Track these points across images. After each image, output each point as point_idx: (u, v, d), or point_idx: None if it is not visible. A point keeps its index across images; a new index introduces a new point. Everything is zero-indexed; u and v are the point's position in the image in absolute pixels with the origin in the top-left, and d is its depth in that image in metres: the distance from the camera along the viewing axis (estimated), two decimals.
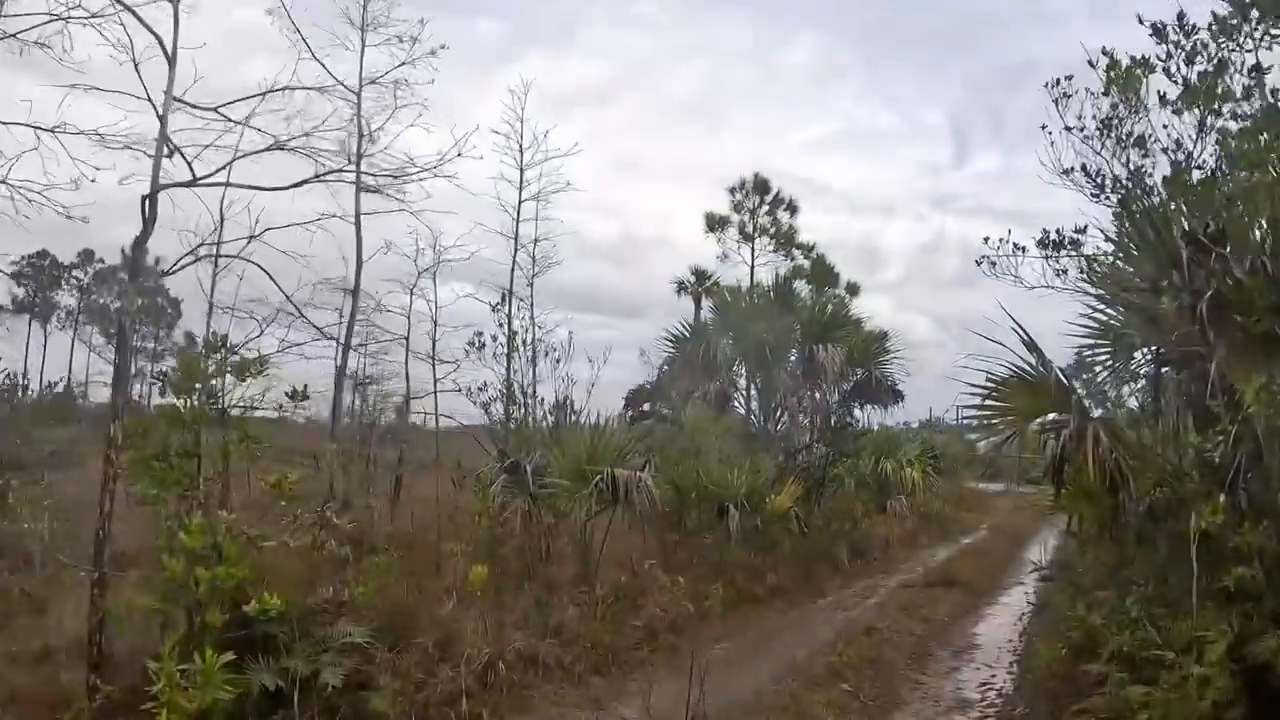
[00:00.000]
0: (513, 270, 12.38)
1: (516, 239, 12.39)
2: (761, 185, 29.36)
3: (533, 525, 9.96)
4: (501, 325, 11.14)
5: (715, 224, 24.88)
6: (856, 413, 16.94)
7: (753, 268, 22.96)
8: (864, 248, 55.27)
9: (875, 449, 21.68)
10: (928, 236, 62.17)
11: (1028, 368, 7.78)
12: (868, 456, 21.32)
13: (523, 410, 11.09)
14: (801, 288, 16.96)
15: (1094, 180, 8.45)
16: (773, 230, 25.73)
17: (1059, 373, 7.51)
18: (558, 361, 10.99)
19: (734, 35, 60.93)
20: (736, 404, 15.83)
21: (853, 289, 23.67)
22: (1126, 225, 7.79)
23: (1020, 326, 7.83)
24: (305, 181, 8.63)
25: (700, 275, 22.46)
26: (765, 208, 28.70)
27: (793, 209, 28.85)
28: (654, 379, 16.49)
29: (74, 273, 55.30)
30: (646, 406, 16.59)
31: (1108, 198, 8.45)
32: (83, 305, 54.90)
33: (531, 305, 16.66)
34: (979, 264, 9.66)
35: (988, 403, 8.02)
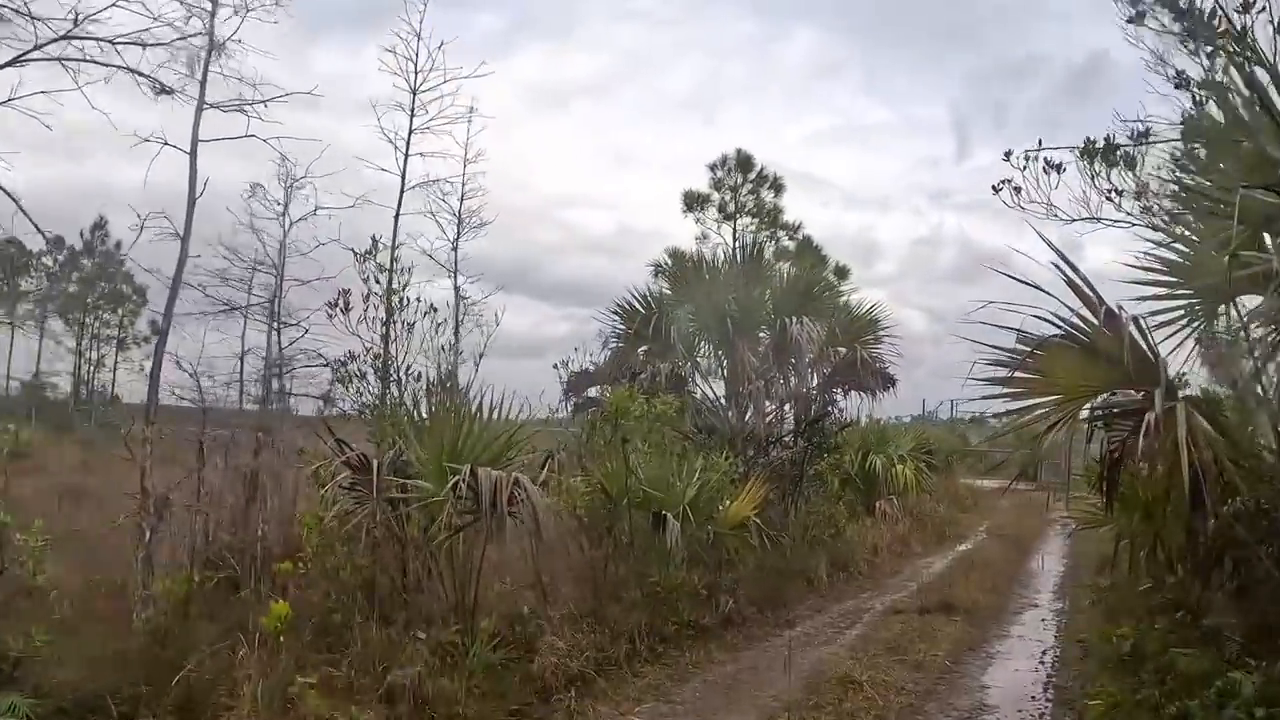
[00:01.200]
0: (398, 215, 9.86)
1: (404, 177, 9.86)
2: (744, 162, 27.93)
3: (392, 541, 7.44)
4: (369, 280, 8.53)
5: (695, 203, 23.62)
6: (840, 400, 14.38)
7: (734, 248, 20.89)
8: (860, 242, 53.66)
9: (863, 443, 19.25)
10: (925, 231, 60.80)
11: (1081, 324, 5.26)
12: (854, 451, 18.90)
13: (400, 390, 8.50)
14: (774, 261, 14.29)
15: (1183, 16, 5.88)
16: (755, 209, 24.36)
17: (1136, 329, 5.00)
18: (437, 328, 8.40)
19: (731, 29, 59.48)
20: (695, 390, 13.26)
21: (841, 272, 21.62)
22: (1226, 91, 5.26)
23: (1066, 260, 5.31)
24: (20, 58, 6.13)
25: (677, 256, 20.38)
26: (748, 186, 27.60)
27: (778, 188, 27.41)
28: (599, 360, 13.95)
29: (42, 259, 53.12)
30: (593, 392, 14.01)
31: (1201, 50, 5.90)
32: (48, 293, 52.57)
33: (455, 272, 14.21)
34: (997, 190, 7.12)
35: (1019, 375, 5.49)
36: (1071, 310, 5.13)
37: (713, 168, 24.14)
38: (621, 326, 13.71)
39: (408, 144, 9.90)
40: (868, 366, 12.64)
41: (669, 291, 13.78)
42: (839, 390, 13.80)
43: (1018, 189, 7.06)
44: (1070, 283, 5.22)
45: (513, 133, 49.32)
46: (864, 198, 60.41)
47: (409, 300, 8.52)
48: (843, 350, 13.14)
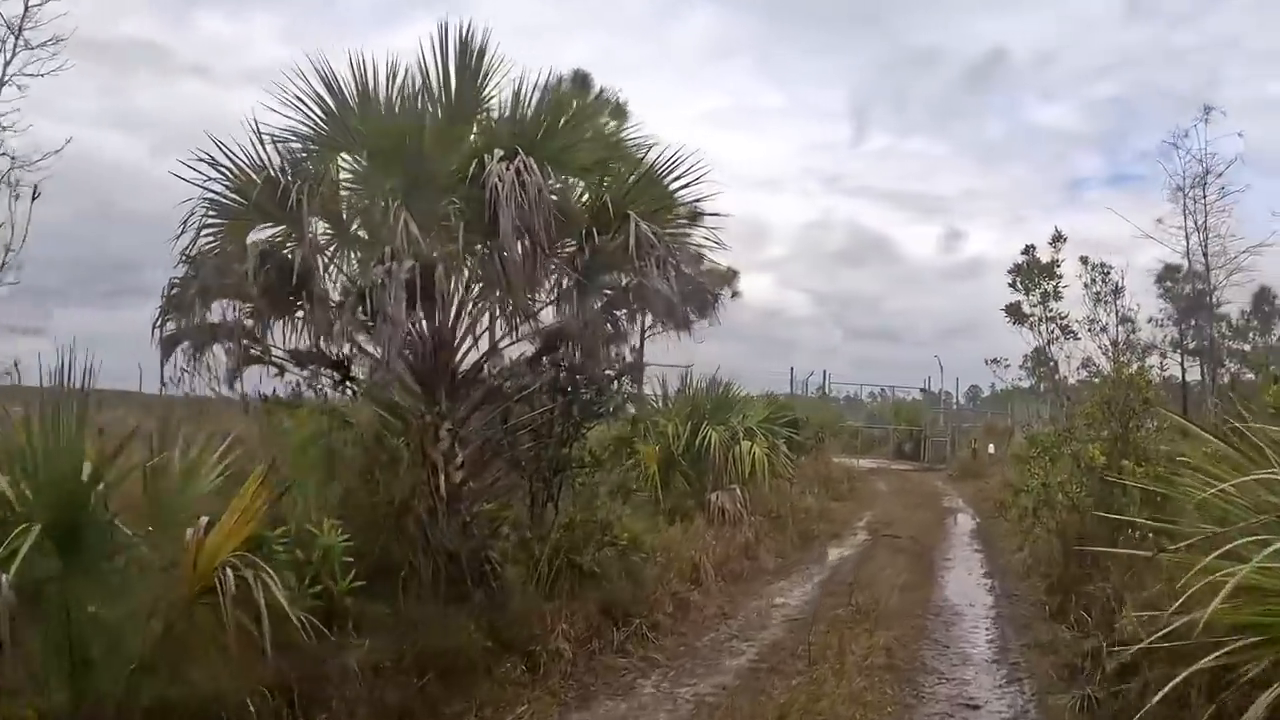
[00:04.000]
0: None
1: None
2: (580, 82, 23.51)
3: None
4: None
5: None
6: (633, 333, 8.50)
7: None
8: (750, 223, 50.13)
9: (694, 411, 13.53)
10: (815, 215, 59.04)
11: None
12: (680, 423, 13.17)
13: None
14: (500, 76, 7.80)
15: None
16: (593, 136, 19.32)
17: None
18: None
19: (626, 6, 55.85)
20: (321, 291, 7.09)
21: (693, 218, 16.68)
22: None
23: None
24: None
25: (328, 77, 15.01)
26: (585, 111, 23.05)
27: (620, 114, 23.04)
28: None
29: None
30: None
31: None
32: None
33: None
34: None
35: None
36: None
37: (543, 91, 19.60)
38: (227, 194, 7.41)
39: None
40: (649, 252, 6.65)
41: (319, 132, 7.56)
42: (617, 309, 7.94)
43: None
44: None
45: None
46: (756, 180, 57.94)
47: None
48: (614, 235, 7.22)
